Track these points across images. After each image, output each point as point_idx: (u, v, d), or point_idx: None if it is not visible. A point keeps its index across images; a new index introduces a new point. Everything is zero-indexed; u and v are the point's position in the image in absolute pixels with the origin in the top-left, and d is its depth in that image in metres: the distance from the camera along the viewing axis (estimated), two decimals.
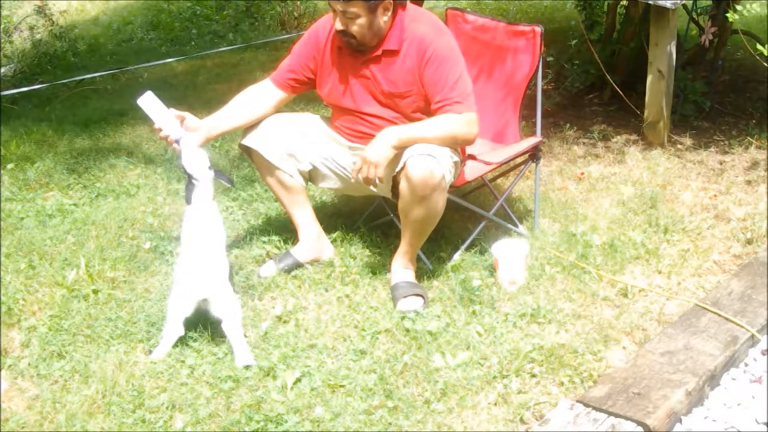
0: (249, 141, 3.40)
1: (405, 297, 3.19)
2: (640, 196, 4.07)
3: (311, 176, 3.51)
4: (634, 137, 4.83)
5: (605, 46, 5.17)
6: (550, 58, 5.27)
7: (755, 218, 3.85)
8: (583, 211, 3.93)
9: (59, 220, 3.98)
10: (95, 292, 3.33)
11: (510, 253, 3.32)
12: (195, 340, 2.99)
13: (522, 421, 2.61)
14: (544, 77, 4.43)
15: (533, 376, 2.80)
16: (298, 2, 7.78)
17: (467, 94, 3.18)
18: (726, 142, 4.76)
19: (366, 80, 3.27)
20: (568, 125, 4.98)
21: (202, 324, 3.00)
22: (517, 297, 3.23)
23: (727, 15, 4.24)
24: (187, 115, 3.23)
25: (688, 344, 2.91)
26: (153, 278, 3.45)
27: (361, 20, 3.11)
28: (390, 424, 2.59)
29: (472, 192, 4.00)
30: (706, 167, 4.44)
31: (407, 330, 3.02)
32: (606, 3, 5.26)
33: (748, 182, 4.25)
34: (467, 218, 3.77)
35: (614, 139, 4.83)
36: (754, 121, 5.00)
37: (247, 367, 2.84)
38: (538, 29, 3.59)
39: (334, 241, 3.62)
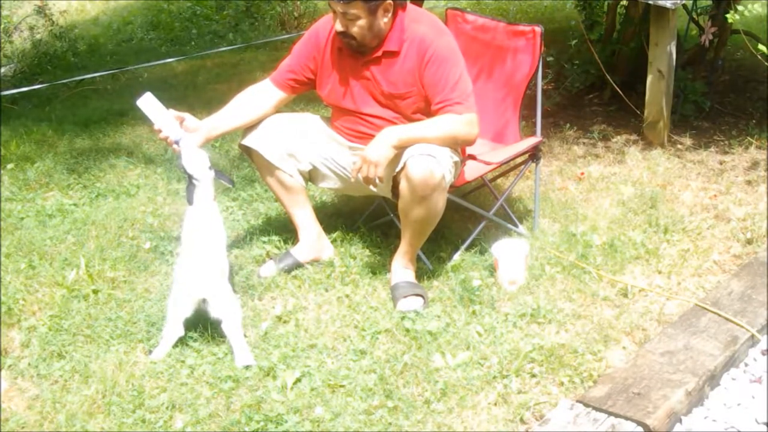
0: (249, 141, 3.40)
1: (405, 297, 3.19)
2: (640, 196, 4.07)
3: (311, 176, 3.51)
4: (634, 137, 4.83)
5: (605, 46, 5.17)
6: (550, 58, 5.27)
7: (755, 218, 3.85)
8: (583, 211, 3.93)
9: (59, 220, 3.98)
10: (95, 292, 3.33)
11: (510, 253, 3.32)
12: (195, 340, 2.99)
13: (522, 421, 2.61)
14: (544, 77, 4.43)
15: (533, 376, 2.80)
16: (298, 2, 7.78)
17: (467, 95, 3.18)
18: (726, 142, 4.76)
19: (366, 81, 3.27)
20: (568, 125, 4.98)
21: (202, 324, 3.00)
22: (517, 297, 3.23)
23: (728, 15, 4.24)
24: (186, 115, 3.23)
25: (688, 344, 2.91)
26: (153, 278, 3.45)
27: (362, 21, 3.11)
28: (390, 424, 2.59)
29: (472, 192, 4.00)
30: (706, 167, 4.44)
31: (407, 330, 3.03)
32: (606, 3, 5.26)
33: (748, 182, 4.25)
34: (467, 218, 3.78)
35: (614, 139, 4.83)
36: (754, 121, 5.00)
37: (247, 367, 2.84)
38: (538, 29, 3.59)
39: (334, 241, 3.62)
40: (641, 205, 3.98)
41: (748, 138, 4.73)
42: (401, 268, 3.29)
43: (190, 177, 3.04)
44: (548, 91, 5.22)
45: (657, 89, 4.64)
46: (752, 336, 2.99)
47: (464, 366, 2.83)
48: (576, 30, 5.31)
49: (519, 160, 3.79)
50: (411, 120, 3.23)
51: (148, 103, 3.12)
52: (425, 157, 3.04)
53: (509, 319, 3.08)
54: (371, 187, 3.17)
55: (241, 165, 4.52)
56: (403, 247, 3.29)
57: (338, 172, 3.46)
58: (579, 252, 3.52)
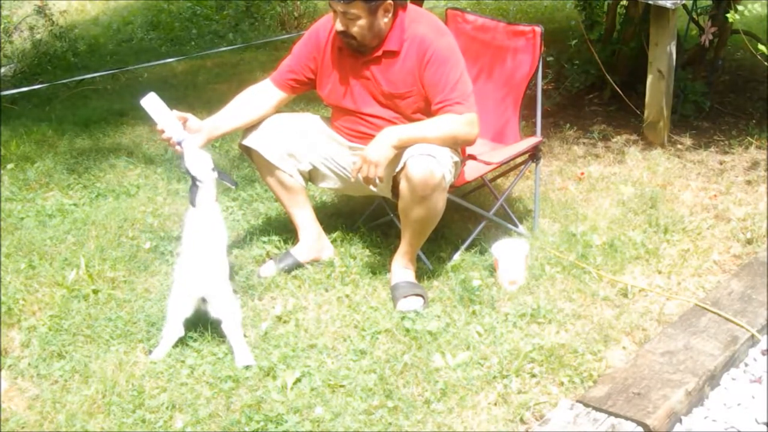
0: (249, 141, 3.40)
1: (405, 297, 3.19)
2: (640, 196, 4.07)
3: (311, 176, 3.51)
4: (634, 137, 4.83)
5: (605, 46, 5.17)
6: (550, 58, 5.27)
7: (755, 218, 3.85)
8: (583, 211, 3.93)
9: (59, 220, 3.98)
10: (95, 292, 3.33)
11: (510, 253, 3.32)
12: (195, 340, 2.99)
13: (522, 421, 2.61)
14: (544, 77, 4.43)
15: (533, 376, 2.80)
16: (298, 2, 7.77)
17: (468, 95, 3.18)
18: (726, 142, 4.76)
19: (366, 81, 3.27)
20: (568, 125, 4.98)
21: (202, 324, 3.00)
22: (517, 297, 3.23)
23: (728, 15, 4.24)
24: (189, 116, 3.22)
25: (688, 344, 2.91)
26: (153, 278, 3.45)
27: (362, 21, 3.11)
28: (390, 424, 2.59)
29: (472, 192, 4.00)
30: (706, 167, 4.44)
31: (407, 330, 3.03)
32: (606, 3, 5.26)
33: (748, 182, 4.25)
34: (467, 218, 3.77)
35: (614, 139, 4.83)
36: (754, 121, 5.00)
37: (247, 367, 2.84)
38: (538, 29, 3.59)
39: (334, 241, 3.62)
40: (641, 205, 3.98)
41: (748, 138, 4.73)
42: (401, 268, 3.29)
43: (194, 178, 3.03)
44: (548, 91, 5.22)
45: (657, 89, 4.64)
46: (752, 336, 2.99)
47: (464, 366, 2.83)
48: (576, 30, 5.31)
49: (519, 160, 3.79)
50: (411, 120, 3.23)
51: (151, 103, 3.11)
52: (425, 157, 3.04)
53: (509, 319, 3.08)
54: (371, 187, 3.17)
55: (241, 165, 4.52)
56: (403, 247, 3.29)
57: (338, 172, 3.46)
58: (579, 252, 3.52)
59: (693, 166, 4.46)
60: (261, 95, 3.41)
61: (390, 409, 2.65)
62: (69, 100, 6.04)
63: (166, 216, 3.99)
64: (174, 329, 2.93)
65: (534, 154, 3.71)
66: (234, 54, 7.06)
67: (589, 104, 5.37)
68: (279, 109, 3.45)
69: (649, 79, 4.65)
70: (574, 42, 5.16)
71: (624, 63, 5.21)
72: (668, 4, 4.37)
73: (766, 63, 4.24)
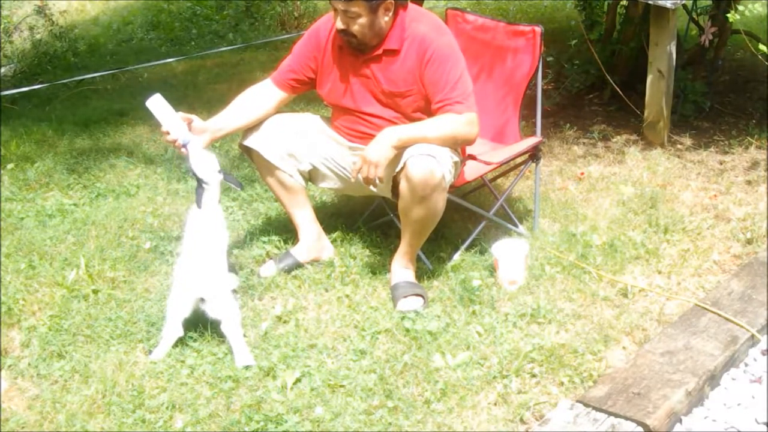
0: (249, 141, 3.40)
1: (405, 297, 3.19)
2: (640, 196, 4.07)
3: (311, 176, 3.51)
4: (634, 137, 4.83)
5: (605, 46, 5.17)
6: (550, 58, 5.27)
7: (755, 218, 3.85)
8: (583, 211, 3.93)
9: (59, 220, 3.98)
10: (95, 292, 3.33)
11: (510, 253, 3.32)
12: (195, 340, 2.99)
13: (522, 421, 2.61)
14: (544, 77, 4.44)
15: (533, 376, 2.80)
16: (298, 2, 7.78)
17: (468, 94, 3.18)
18: (726, 142, 4.76)
19: (366, 80, 3.27)
20: (568, 125, 4.98)
21: (202, 324, 3.00)
22: (517, 297, 3.23)
23: (728, 15, 4.24)
24: (193, 117, 3.22)
25: (688, 344, 2.91)
26: (153, 278, 3.45)
27: (363, 20, 3.11)
28: (390, 424, 2.59)
29: (472, 192, 4.00)
30: (706, 167, 4.44)
31: (407, 330, 3.03)
32: (606, 3, 5.26)
33: (748, 182, 4.25)
34: (467, 218, 3.77)
35: (614, 139, 4.83)
36: (754, 121, 5.00)
37: (247, 368, 2.84)
38: (538, 29, 3.59)
39: (334, 241, 3.62)
40: (641, 205, 3.98)
41: (748, 138, 4.73)
42: (401, 268, 3.29)
43: (199, 180, 3.03)
44: (548, 91, 5.22)
45: (657, 89, 4.64)
46: (752, 336, 2.99)
47: (464, 366, 2.83)
48: (576, 30, 5.31)
49: (519, 160, 3.79)
50: (411, 119, 3.23)
51: (157, 104, 3.10)
52: (425, 157, 3.04)
53: (509, 319, 3.08)
54: (371, 187, 3.17)
55: (241, 165, 4.52)
56: (403, 247, 3.28)
57: (338, 172, 3.46)
58: (579, 252, 3.52)
59: (693, 166, 4.46)
60: (262, 95, 3.41)
61: (390, 409, 2.65)
62: (69, 100, 6.04)
63: (166, 216, 3.99)
64: (173, 329, 2.93)
65: (534, 154, 3.71)
66: (234, 54, 7.06)
67: (589, 104, 5.37)
68: (280, 109, 3.45)
69: (649, 79, 4.65)
70: (574, 42, 5.16)
71: (624, 63, 5.21)
72: (668, 4, 4.37)
73: (766, 63, 4.23)
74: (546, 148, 4.65)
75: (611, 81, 4.97)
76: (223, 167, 4.39)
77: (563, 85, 5.32)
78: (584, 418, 2.56)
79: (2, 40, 6.85)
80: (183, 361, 2.89)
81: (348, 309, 3.19)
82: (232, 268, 3.21)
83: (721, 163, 4.50)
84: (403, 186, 3.09)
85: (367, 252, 3.58)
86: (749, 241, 3.66)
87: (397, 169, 3.09)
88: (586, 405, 2.61)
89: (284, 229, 3.69)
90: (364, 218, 3.80)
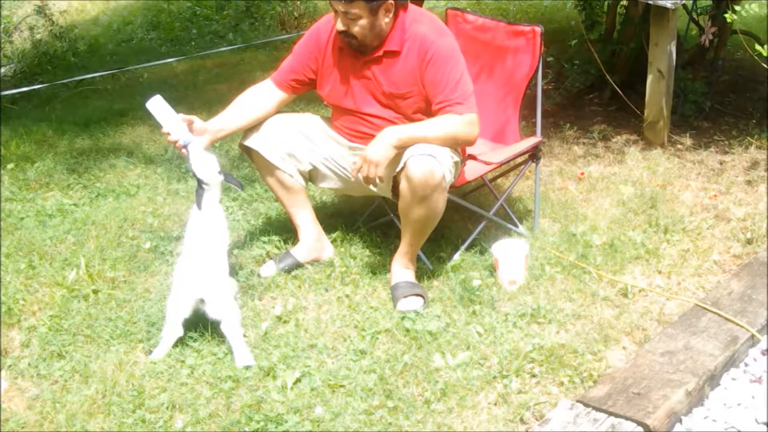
0: (249, 141, 3.40)
1: (405, 297, 3.19)
2: (640, 196, 4.07)
3: (311, 176, 3.51)
4: (634, 137, 4.83)
5: (605, 46, 5.17)
6: (550, 58, 5.27)
7: (755, 218, 3.85)
8: (583, 211, 3.93)
9: (59, 220, 3.98)
10: (95, 292, 3.33)
11: (510, 253, 3.32)
12: (195, 340, 2.99)
13: (522, 421, 2.61)
14: (544, 77, 4.43)
15: (533, 376, 2.80)
16: (298, 2, 7.78)
17: (468, 95, 3.18)
18: (726, 142, 4.76)
19: (367, 81, 3.27)
20: (568, 125, 4.98)
21: (202, 324, 3.00)
22: (517, 297, 3.23)
23: (725, 16, 4.24)
24: (194, 118, 3.21)
25: (688, 344, 2.91)
26: (153, 278, 3.45)
27: (363, 21, 3.11)
28: (390, 424, 2.59)
29: (472, 192, 4.00)
30: (706, 167, 4.44)
31: (407, 330, 3.03)
32: (606, 3, 5.26)
33: (748, 182, 4.25)
34: (467, 218, 3.77)
35: (614, 139, 4.83)
36: (754, 121, 5.00)
37: (247, 368, 2.84)
38: (538, 29, 3.59)
39: (334, 241, 3.62)
40: (641, 205, 3.98)
41: (748, 138, 4.73)
42: (401, 268, 3.29)
43: (200, 181, 3.03)
44: (548, 91, 5.22)
45: (657, 89, 4.64)
46: (752, 336, 2.99)
47: (464, 366, 2.83)
48: (576, 30, 5.31)
49: (519, 160, 3.79)
50: (411, 120, 3.23)
51: (157, 105, 3.10)
52: (425, 157, 3.04)
53: (509, 319, 3.08)
54: (371, 187, 3.17)
55: (241, 165, 4.52)
56: (403, 247, 3.29)
57: (338, 172, 3.46)
58: (579, 252, 3.52)
59: (693, 166, 4.46)
60: (262, 96, 3.41)
61: (390, 409, 2.65)
62: (69, 100, 6.04)
63: (166, 216, 3.99)
64: (173, 329, 2.93)
65: (534, 154, 3.71)
66: (234, 54, 7.06)
67: (589, 104, 5.37)
68: (280, 110, 3.45)
69: (649, 79, 4.65)
70: (574, 42, 5.16)
71: (624, 63, 5.21)
72: (668, 4, 4.37)
73: (764, 65, 4.23)
74: (546, 148, 4.65)
75: (611, 81, 4.97)
76: (224, 167, 4.40)
77: (563, 85, 5.31)
78: (584, 418, 2.56)
79: (2, 40, 6.85)
80: (183, 361, 2.89)
81: (348, 309, 3.19)
82: (232, 271, 3.20)
83: (721, 163, 4.50)
84: (403, 186, 3.09)
85: (367, 252, 3.58)
86: (749, 241, 3.66)
87: (398, 169, 3.09)
88: (586, 405, 2.61)
89: (284, 229, 3.69)
90: (364, 218, 3.80)
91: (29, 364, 2.93)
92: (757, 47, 4.06)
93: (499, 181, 4.06)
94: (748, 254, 3.57)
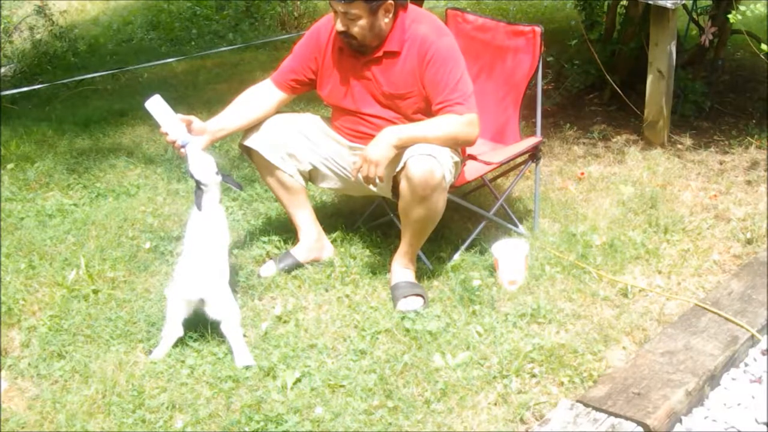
0: (249, 141, 3.40)
1: (405, 297, 3.19)
2: (640, 196, 4.07)
3: (311, 176, 3.51)
4: (634, 137, 4.83)
5: (605, 46, 5.17)
6: (550, 58, 5.27)
7: (755, 218, 3.85)
8: (583, 211, 3.93)
9: (59, 220, 3.98)
10: (95, 292, 3.33)
11: (510, 253, 3.32)
12: (195, 340, 2.99)
13: (522, 421, 2.61)
14: (544, 77, 4.43)
15: (533, 376, 2.80)
16: (298, 2, 7.78)
17: (468, 95, 3.18)
18: (726, 142, 4.76)
19: (367, 81, 3.27)
20: (568, 125, 4.98)
21: (202, 324, 3.00)
22: (517, 297, 3.23)
23: (729, 16, 4.24)
24: (192, 118, 3.21)
25: (688, 344, 2.91)
26: (153, 278, 3.45)
27: (363, 21, 3.11)
28: (390, 424, 2.59)
29: (472, 192, 4.00)
30: (706, 167, 4.44)
31: (407, 330, 3.03)
32: (606, 3, 5.26)
33: (748, 182, 4.26)
34: (467, 218, 3.77)
35: (614, 139, 4.83)
36: (754, 121, 5.00)
37: (247, 368, 2.84)
38: (538, 29, 3.59)
39: (334, 241, 3.62)
40: (641, 205, 3.98)
41: (748, 138, 4.73)
42: (401, 268, 3.29)
43: (198, 182, 3.03)
44: (548, 91, 5.22)
45: (657, 89, 4.64)
46: (752, 336, 2.99)
47: (464, 366, 2.83)
48: (576, 30, 5.30)
49: (519, 160, 3.79)
50: (411, 120, 3.23)
51: (156, 105, 3.09)
52: (426, 157, 3.04)
53: (509, 319, 3.08)
54: (371, 186, 3.17)
55: (241, 165, 4.52)
56: (403, 247, 3.29)
57: (338, 172, 3.46)
58: (579, 252, 3.52)
59: (693, 166, 4.46)
60: (262, 96, 3.41)
61: (390, 409, 2.65)
62: (69, 100, 6.04)
63: (166, 216, 3.99)
64: (173, 330, 2.93)
65: (534, 154, 3.71)
66: (234, 54, 7.06)
67: (589, 104, 5.37)
68: (280, 110, 3.45)
69: (649, 79, 4.65)
70: (574, 42, 5.16)
71: (624, 63, 5.21)
72: (668, 4, 4.37)
73: (767, 63, 4.23)
74: (546, 148, 4.65)
75: (611, 81, 4.97)
76: (223, 167, 4.41)
77: (563, 85, 5.31)
78: (584, 418, 2.56)
79: (2, 40, 6.85)
80: (183, 361, 2.89)
81: (348, 309, 3.19)
82: (232, 271, 3.19)
83: (721, 163, 4.50)
84: (403, 186, 3.09)
85: (367, 252, 3.58)
86: (749, 241, 3.66)
87: (398, 169, 3.09)
88: (586, 405, 2.61)
89: (284, 229, 3.69)
90: (364, 218, 3.80)
91: (29, 364, 2.93)
92: (763, 46, 4.05)
93: (499, 181, 4.06)
94: (748, 254, 3.57)
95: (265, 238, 3.68)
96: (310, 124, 3.47)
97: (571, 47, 5.22)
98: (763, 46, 4.05)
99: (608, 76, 4.98)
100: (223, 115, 3.37)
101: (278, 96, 3.42)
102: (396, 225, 3.46)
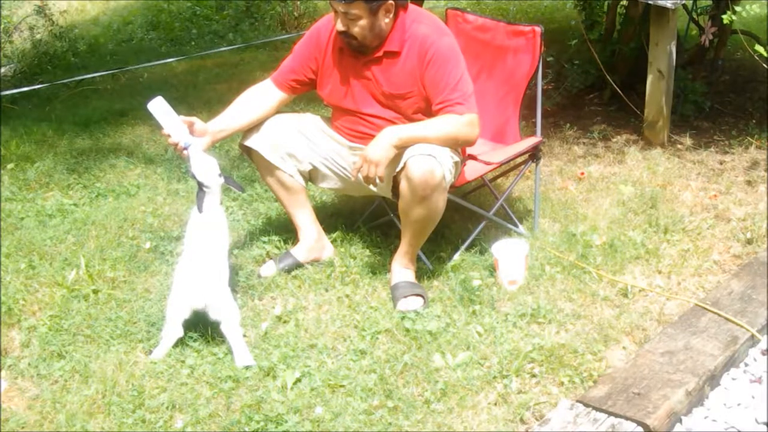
0: (249, 141, 3.40)
1: (405, 297, 3.19)
2: (640, 196, 4.07)
3: (311, 176, 3.51)
4: (634, 137, 4.83)
5: (605, 46, 5.17)
6: (550, 58, 5.26)
7: (755, 218, 3.85)
8: (583, 211, 3.93)
9: (59, 220, 3.98)
10: (95, 292, 3.33)
11: (510, 253, 3.32)
12: (195, 341, 2.99)
13: (522, 421, 2.61)
14: (544, 77, 4.43)
15: (533, 376, 2.80)
16: (298, 2, 7.78)
17: (468, 96, 3.18)
18: (726, 142, 4.76)
19: (367, 81, 3.27)
20: (568, 125, 4.98)
21: (202, 324, 3.00)
22: (517, 297, 3.23)
23: (723, 17, 4.24)
24: (195, 119, 3.21)
25: (688, 344, 2.91)
26: (153, 278, 3.45)
27: (363, 22, 3.11)
28: (390, 424, 2.59)
29: (472, 192, 4.00)
30: (706, 167, 4.44)
31: (407, 330, 3.03)
32: (606, 3, 5.26)
33: (748, 182, 4.26)
34: (467, 218, 3.77)
35: (614, 139, 4.83)
36: (754, 121, 5.00)
37: (247, 368, 2.84)
38: (538, 29, 3.59)
39: (334, 241, 3.62)
40: (641, 205, 3.98)
41: (748, 138, 4.73)
42: (401, 268, 3.29)
43: (200, 184, 3.03)
44: (548, 91, 5.22)
45: (657, 89, 4.64)
46: (752, 336, 2.99)
47: (464, 366, 2.83)
48: (576, 30, 5.30)
49: (519, 160, 3.78)
50: (411, 120, 3.23)
51: (158, 106, 3.09)
52: (426, 156, 3.04)
53: (509, 319, 3.08)
54: (371, 186, 3.17)
55: (241, 165, 4.52)
56: (403, 247, 3.29)
57: (338, 172, 3.46)
58: (579, 252, 3.52)
59: (693, 166, 4.46)
60: (262, 96, 3.41)
61: (390, 409, 2.65)
62: (69, 100, 6.04)
63: (166, 216, 3.99)
64: (173, 330, 2.93)
65: (534, 154, 3.71)
66: (234, 54, 7.06)
67: (589, 104, 5.37)
68: (280, 110, 3.45)
69: (649, 79, 4.65)
70: (574, 42, 5.16)
71: (624, 63, 5.21)
72: (668, 4, 4.37)
73: (765, 65, 4.23)
74: (546, 148, 4.65)
75: (611, 81, 4.97)
76: (224, 168, 4.40)
77: (563, 85, 5.31)
78: (584, 418, 2.56)
79: (2, 40, 6.85)
80: (183, 361, 2.89)
81: (348, 309, 3.19)
82: (232, 271, 3.19)
83: (721, 163, 4.50)
84: (403, 186, 3.09)
85: (367, 252, 3.58)
86: (749, 241, 3.66)
87: (398, 169, 3.09)
88: (586, 405, 2.61)
89: (284, 229, 3.69)
90: (364, 218, 3.80)
91: (29, 364, 2.93)
92: (757, 47, 4.06)
93: (499, 181, 4.07)
94: (748, 254, 3.57)
95: (265, 238, 3.68)
96: (310, 124, 3.47)
97: (571, 47, 5.22)
98: (759, 48, 4.05)
99: (608, 76, 4.98)
100: (223, 115, 3.37)
101: (278, 96, 3.42)
102: (396, 225, 3.46)
